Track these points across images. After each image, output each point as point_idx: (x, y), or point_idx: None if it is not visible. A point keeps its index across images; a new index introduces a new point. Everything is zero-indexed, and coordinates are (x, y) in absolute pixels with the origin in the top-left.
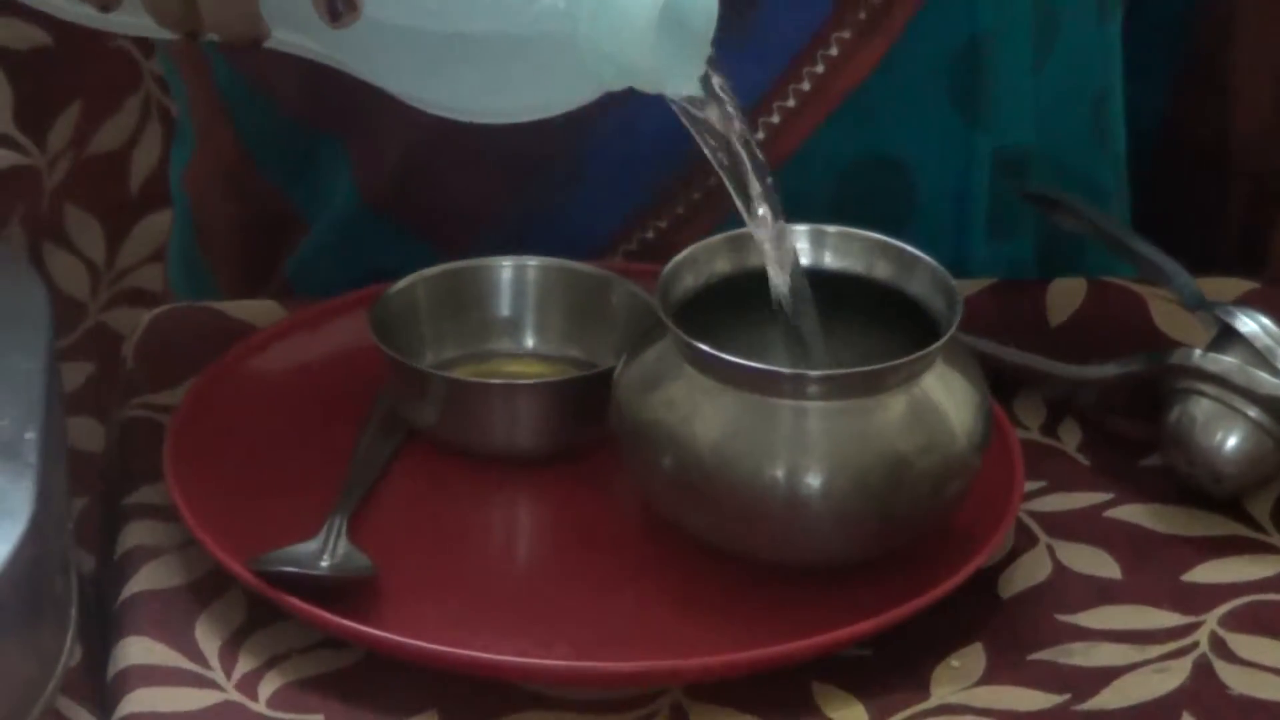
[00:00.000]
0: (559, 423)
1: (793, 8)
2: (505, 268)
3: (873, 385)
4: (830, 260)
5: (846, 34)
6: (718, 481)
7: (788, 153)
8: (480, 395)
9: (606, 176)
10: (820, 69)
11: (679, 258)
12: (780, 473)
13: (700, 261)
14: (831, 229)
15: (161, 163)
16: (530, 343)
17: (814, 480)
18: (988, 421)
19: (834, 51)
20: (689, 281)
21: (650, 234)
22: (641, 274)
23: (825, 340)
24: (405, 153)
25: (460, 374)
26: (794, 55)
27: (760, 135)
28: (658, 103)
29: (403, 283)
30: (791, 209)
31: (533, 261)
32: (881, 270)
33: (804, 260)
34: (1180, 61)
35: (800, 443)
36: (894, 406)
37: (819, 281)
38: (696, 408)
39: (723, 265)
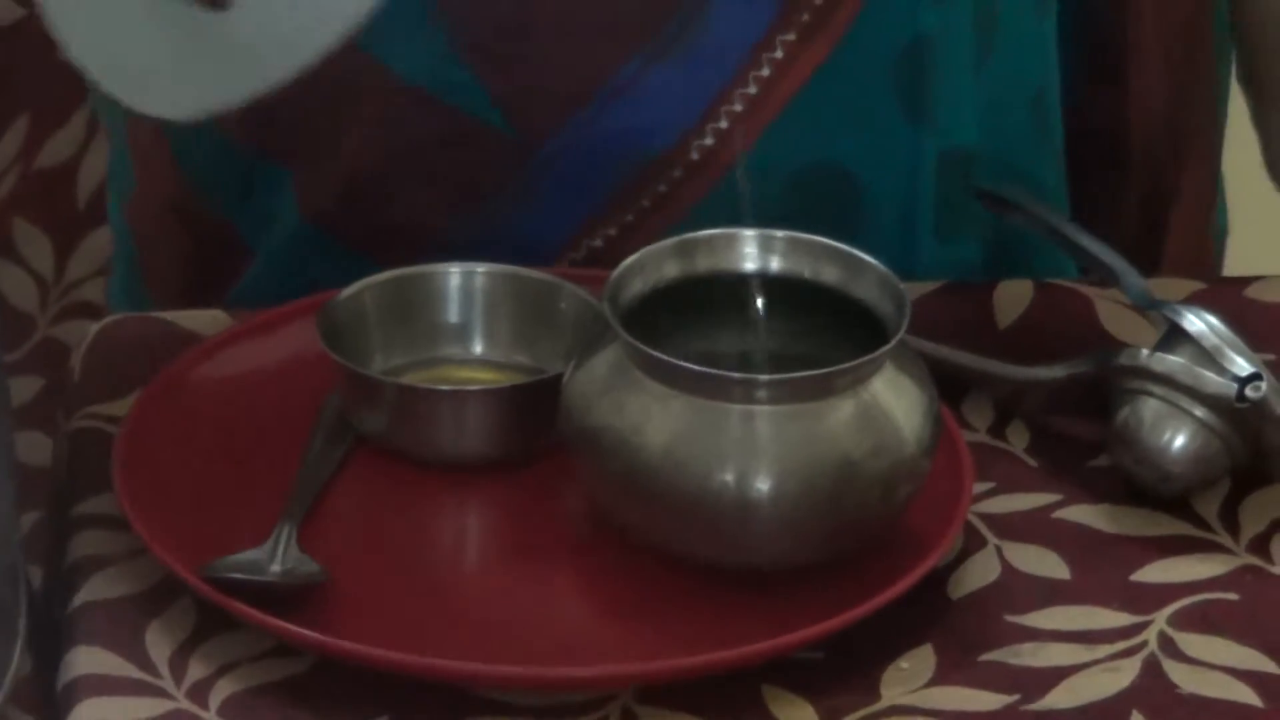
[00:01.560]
0: (508, 429)
1: (738, 12)
2: (454, 274)
3: (821, 389)
4: (778, 265)
5: (791, 36)
6: (668, 486)
7: (735, 157)
8: (429, 401)
9: (555, 190)
10: (766, 72)
11: (627, 263)
12: (730, 477)
13: (648, 267)
14: (779, 233)
15: (108, 176)
16: (479, 349)
17: (763, 484)
18: (936, 424)
19: (779, 54)
20: (637, 287)
21: (599, 242)
22: (590, 280)
23: (774, 343)
24: (349, 172)
25: (409, 380)
26: (740, 59)
27: (710, 141)
28: (608, 113)
29: (351, 289)
30: (740, 215)
31: (481, 268)
32: (829, 274)
33: (752, 265)
34: (1085, 53)
35: (749, 447)
36: (843, 410)
37: (768, 286)
38: (646, 413)
39: (671, 270)
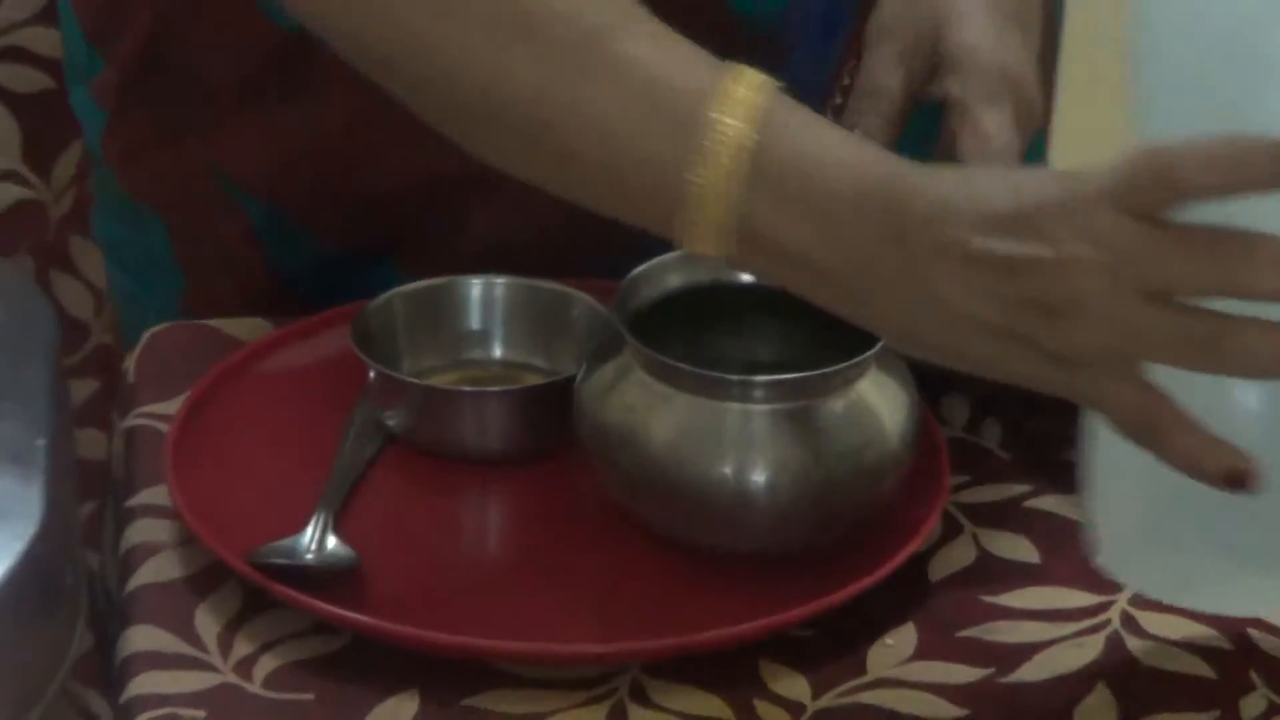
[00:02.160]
0: (525, 426)
1: (817, 54)
2: (475, 285)
3: (813, 389)
4: None
5: (854, 63)
6: (672, 479)
7: None
8: (453, 401)
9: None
10: (839, 100)
11: (635, 273)
12: (729, 470)
13: (654, 278)
14: None
15: None
16: (498, 353)
17: (759, 477)
18: (917, 421)
19: (847, 82)
20: (644, 295)
21: None
22: (599, 289)
23: (770, 348)
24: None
25: (435, 381)
26: (823, 92)
27: None
28: None
29: (381, 299)
30: None
31: (500, 280)
32: None
33: (750, 276)
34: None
35: (746, 442)
36: (833, 408)
37: (765, 295)
38: (652, 411)
39: (674, 280)
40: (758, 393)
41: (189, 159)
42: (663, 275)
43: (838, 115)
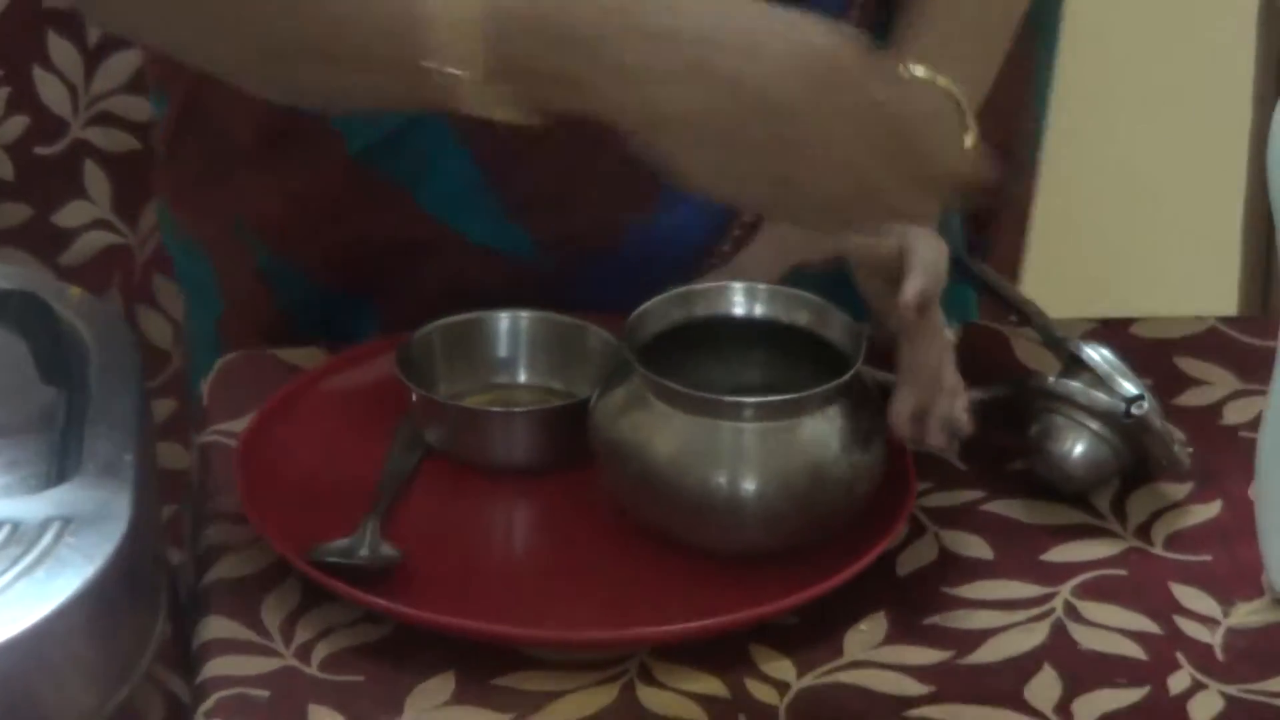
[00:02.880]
0: (547, 442)
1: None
2: (503, 319)
3: (796, 409)
4: (761, 310)
5: None
6: (673, 488)
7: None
8: (484, 420)
9: (594, 299)
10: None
11: (640, 310)
12: (723, 480)
13: (657, 313)
14: (762, 286)
15: None
16: (523, 378)
17: (749, 486)
18: (884, 436)
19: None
20: (650, 328)
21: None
22: (612, 322)
23: (759, 373)
24: (426, 300)
25: (468, 403)
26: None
27: (715, 261)
28: (629, 251)
29: (422, 331)
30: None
31: (525, 314)
32: (802, 318)
33: (740, 310)
34: None
35: (738, 456)
36: (814, 426)
37: (753, 327)
38: (656, 429)
39: (676, 315)
40: (748, 412)
41: (217, 203)
42: (666, 311)
43: (748, 230)
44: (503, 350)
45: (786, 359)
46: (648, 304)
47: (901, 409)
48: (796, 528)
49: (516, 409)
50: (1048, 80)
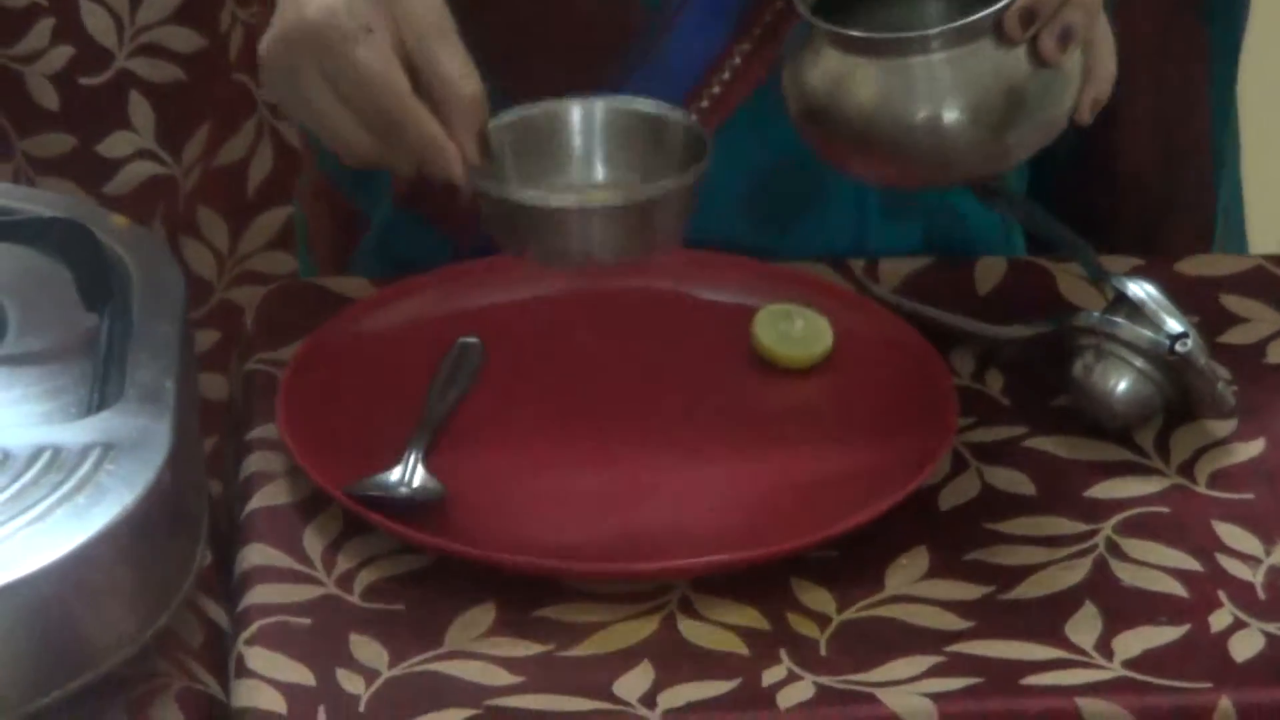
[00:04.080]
0: (626, 237)
1: (699, 29)
2: (575, 109)
3: (979, 30)
4: None
5: (746, 46)
6: (879, 135)
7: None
8: (559, 217)
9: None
10: (726, 75)
11: None
12: (924, 115)
13: None
14: None
15: (273, 172)
16: (600, 173)
17: (951, 115)
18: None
19: (736, 61)
20: None
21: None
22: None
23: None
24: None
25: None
26: (703, 67)
27: None
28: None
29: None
30: (709, 204)
31: (600, 102)
32: None
33: None
34: None
35: (933, 88)
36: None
37: None
38: (850, 82)
39: None
40: (934, 44)
41: None
42: None
43: (716, 104)
44: (576, 144)
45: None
46: None
47: (1017, 4)
48: (1000, 150)
49: (593, 204)
50: (1228, 80)
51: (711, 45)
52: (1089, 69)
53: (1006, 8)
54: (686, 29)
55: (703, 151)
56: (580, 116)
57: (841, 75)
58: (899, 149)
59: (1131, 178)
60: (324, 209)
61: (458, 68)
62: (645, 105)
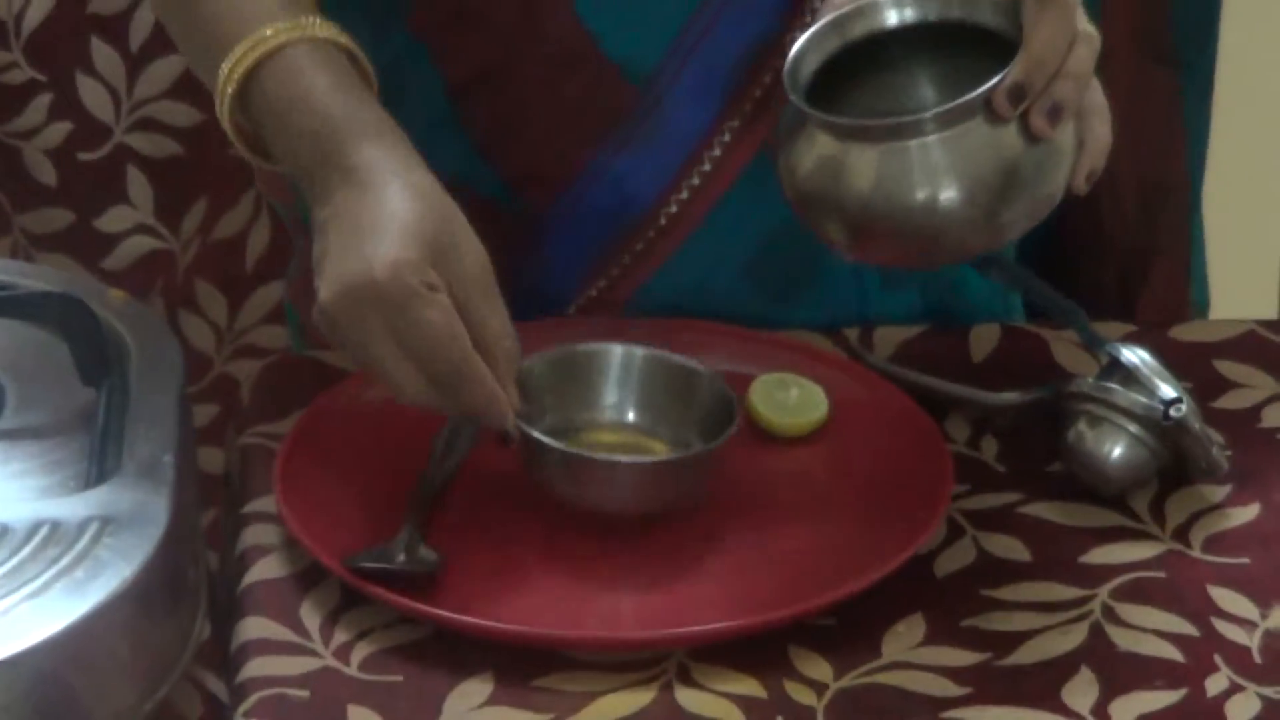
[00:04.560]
0: (650, 492)
1: (690, 106)
2: (616, 351)
3: (972, 109)
4: (911, 14)
5: (736, 122)
6: (878, 218)
7: (699, 220)
8: (587, 466)
9: (554, 253)
10: (717, 152)
11: (794, 53)
12: (922, 195)
13: (812, 49)
14: None
15: (271, 246)
16: (631, 417)
17: (950, 194)
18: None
19: (727, 138)
20: (808, 67)
21: (594, 292)
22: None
23: (931, 84)
24: None
25: (570, 447)
26: (695, 143)
27: (674, 209)
28: (589, 192)
29: (526, 361)
30: (710, 275)
31: (639, 350)
32: (954, 11)
33: (893, 20)
34: None
35: (930, 169)
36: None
37: (909, 38)
38: (846, 169)
39: (832, 44)
40: (929, 126)
41: None
42: (820, 44)
43: (708, 180)
44: (610, 387)
45: (950, 60)
46: (799, 45)
47: (1007, 77)
48: (996, 228)
49: (620, 458)
50: (1202, 120)
51: (701, 122)
52: (1083, 140)
53: (996, 86)
54: (675, 107)
55: (730, 411)
56: (619, 360)
57: (835, 160)
58: (896, 231)
59: (1111, 222)
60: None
61: (503, 324)
62: (680, 359)
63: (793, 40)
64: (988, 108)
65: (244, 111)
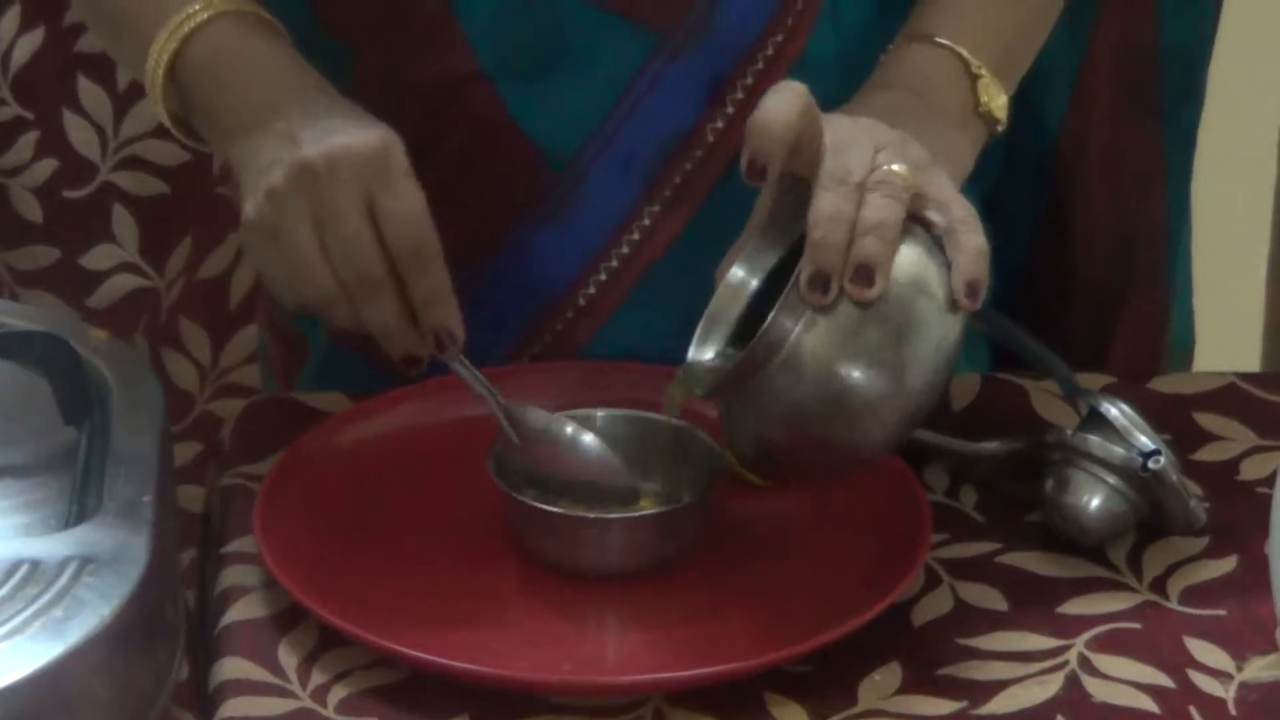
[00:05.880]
0: (643, 547)
1: (609, 189)
2: (599, 417)
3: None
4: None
5: (656, 208)
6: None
7: (623, 297)
8: (581, 526)
9: (476, 328)
10: (636, 236)
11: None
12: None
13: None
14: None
15: (255, 285)
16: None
17: (839, 384)
18: None
19: (646, 222)
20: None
21: (525, 360)
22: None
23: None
24: None
25: (563, 508)
26: (614, 225)
27: (592, 290)
28: (506, 269)
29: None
30: (640, 340)
31: (620, 414)
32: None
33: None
34: (1039, 214)
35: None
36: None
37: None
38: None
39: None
40: (762, 357)
41: None
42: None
43: (626, 262)
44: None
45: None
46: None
47: (801, 274)
48: (910, 392)
49: (612, 515)
50: (1183, 170)
51: (620, 206)
52: (950, 260)
53: (795, 286)
54: (594, 191)
55: (716, 463)
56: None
57: (732, 408)
58: (831, 442)
59: (1086, 265)
60: (273, 333)
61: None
62: (669, 421)
63: (713, 131)
64: (804, 307)
65: (175, 83)
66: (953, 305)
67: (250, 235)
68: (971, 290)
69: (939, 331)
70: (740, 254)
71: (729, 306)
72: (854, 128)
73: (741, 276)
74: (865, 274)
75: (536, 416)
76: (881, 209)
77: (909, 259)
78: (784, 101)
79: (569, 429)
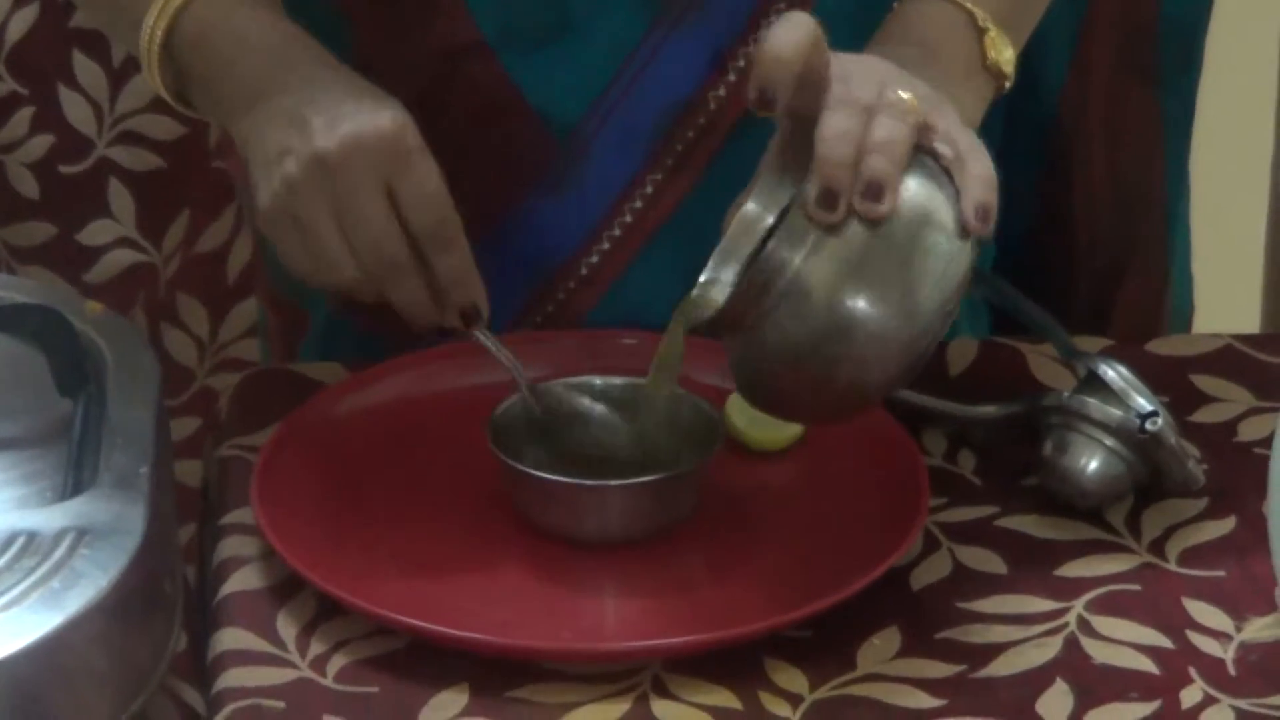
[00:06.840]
0: (642, 514)
1: (613, 157)
2: (596, 382)
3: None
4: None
5: (659, 175)
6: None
7: (621, 269)
8: (572, 492)
9: (489, 287)
10: (639, 204)
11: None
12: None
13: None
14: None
15: (253, 259)
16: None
17: (850, 304)
18: None
19: (649, 190)
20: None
21: (550, 308)
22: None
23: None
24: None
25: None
26: (617, 194)
27: (595, 259)
28: (512, 238)
29: (506, 403)
30: (643, 310)
31: (618, 380)
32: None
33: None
34: (1039, 184)
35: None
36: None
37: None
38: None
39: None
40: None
41: None
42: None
43: (629, 230)
44: (598, 416)
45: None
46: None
47: (810, 188)
48: (919, 316)
49: (610, 482)
50: (1183, 143)
51: (623, 175)
52: (960, 188)
53: (801, 204)
54: (597, 159)
55: (714, 429)
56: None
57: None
58: (834, 375)
59: (1087, 232)
60: (273, 306)
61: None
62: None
63: (715, 99)
64: (813, 222)
65: (170, 58)
66: (962, 234)
67: (269, 225)
68: (983, 213)
69: (946, 262)
70: (753, 191)
71: (741, 242)
72: (860, 62)
73: (756, 211)
74: (875, 190)
75: (555, 388)
76: (889, 129)
77: (916, 188)
78: (794, 30)
79: (586, 401)
